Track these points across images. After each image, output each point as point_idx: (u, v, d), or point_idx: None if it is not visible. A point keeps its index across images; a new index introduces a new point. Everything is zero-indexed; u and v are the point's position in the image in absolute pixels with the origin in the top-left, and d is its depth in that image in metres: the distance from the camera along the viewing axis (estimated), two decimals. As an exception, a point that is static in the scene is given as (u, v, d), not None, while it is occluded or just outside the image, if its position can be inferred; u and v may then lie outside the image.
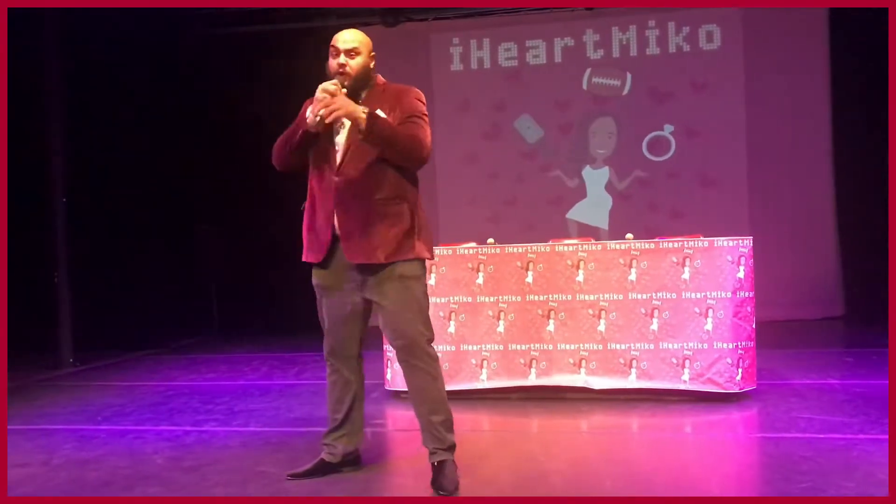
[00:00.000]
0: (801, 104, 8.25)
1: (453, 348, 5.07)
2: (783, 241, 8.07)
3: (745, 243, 4.80)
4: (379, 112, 3.30)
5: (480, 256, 5.06)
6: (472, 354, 5.07)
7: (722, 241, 4.78)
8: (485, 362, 5.06)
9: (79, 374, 6.65)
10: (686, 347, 4.79)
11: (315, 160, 3.44)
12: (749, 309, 4.80)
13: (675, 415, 4.61)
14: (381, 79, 3.49)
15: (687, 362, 4.79)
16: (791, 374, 5.52)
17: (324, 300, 3.55)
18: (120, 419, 4.95)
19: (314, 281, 3.56)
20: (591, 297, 4.92)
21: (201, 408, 5.19)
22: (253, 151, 8.97)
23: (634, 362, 4.86)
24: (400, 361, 3.49)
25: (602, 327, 4.91)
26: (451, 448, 3.47)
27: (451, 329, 5.07)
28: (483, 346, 5.05)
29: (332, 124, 3.30)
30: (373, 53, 3.43)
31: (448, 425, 3.47)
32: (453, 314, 5.08)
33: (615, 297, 4.89)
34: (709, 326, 4.76)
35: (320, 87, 3.26)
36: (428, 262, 3.60)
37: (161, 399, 5.51)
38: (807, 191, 8.28)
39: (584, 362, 4.94)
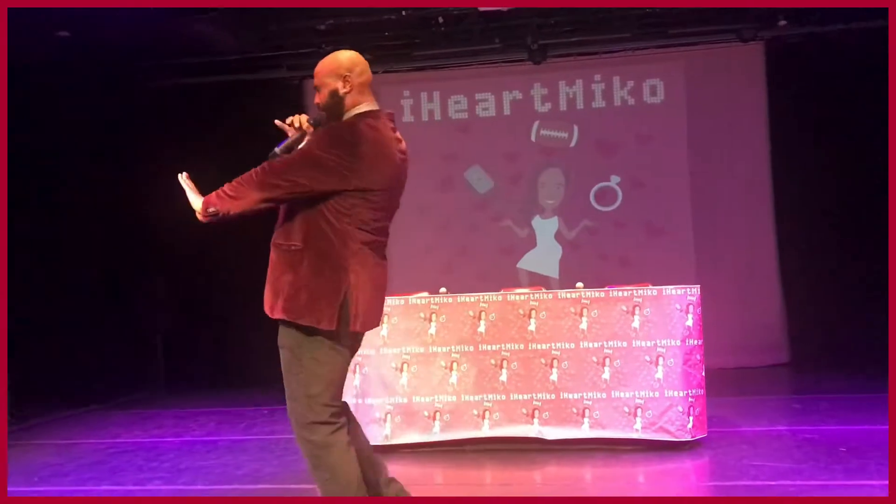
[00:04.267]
0: (742, 152, 8.47)
1: (405, 400, 5.01)
2: (729, 288, 8.21)
3: (693, 291, 4.87)
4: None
5: (433, 306, 5.05)
6: (424, 406, 5.01)
7: (670, 290, 4.85)
8: (437, 414, 5.00)
9: (16, 433, 6.38)
10: (638, 396, 4.81)
11: None
12: (698, 357, 4.85)
13: (628, 464, 4.61)
14: (368, 113, 3.02)
15: (639, 411, 4.80)
16: (741, 422, 5.58)
17: None
18: (58, 479, 4.75)
19: None
20: (544, 346, 4.93)
21: (145, 465, 5.02)
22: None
23: (587, 411, 4.86)
24: None
25: (555, 376, 4.90)
26: None
27: (403, 381, 5.01)
28: (436, 397, 5.00)
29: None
30: (345, 75, 3.00)
31: None
32: (405, 365, 5.03)
33: (567, 345, 4.90)
34: (660, 374, 4.79)
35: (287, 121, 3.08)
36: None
37: (102, 457, 5.32)
38: (750, 238, 8.46)
39: (537, 412, 4.92)
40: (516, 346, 4.95)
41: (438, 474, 4.69)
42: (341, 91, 3.01)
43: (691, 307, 4.82)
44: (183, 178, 3.09)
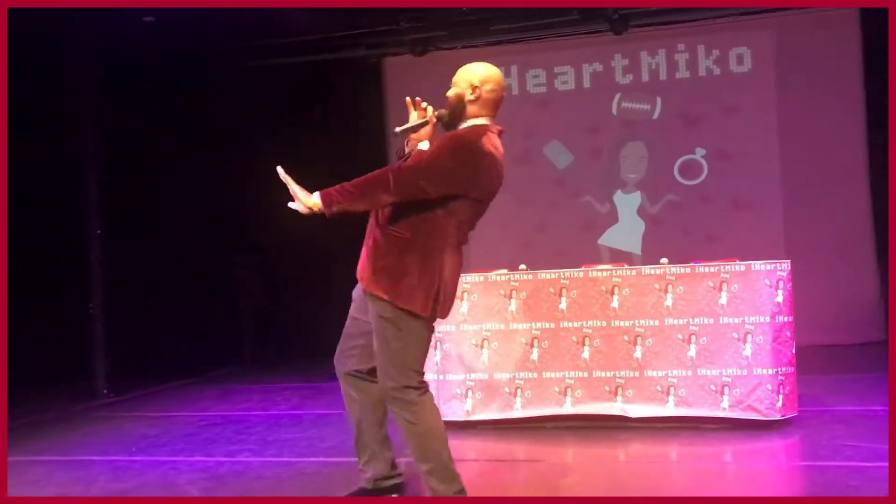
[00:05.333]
0: (835, 123, 8.12)
1: (486, 377, 5.01)
2: (821, 264, 7.91)
3: (784, 266, 4.71)
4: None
5: (513, 283, 5.02)
6: (505, 383, 5.00)
7: (759, 265, 4.70)
8: (518, 391, 4.99)
9: (113, 405, 6.68)
10: (725, 374, 4.69)
11: None
12: (788, 334, 4.70)
13: (714, 443, 4.51)
14: (482, 128, 3.25)
15: (726, 389, 4.69)
16: (833, 401, 5.38)
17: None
18: (154, 450, 4.95)
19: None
20: (627, 324, 4.85)
21: (234, 438, 5.18)
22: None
23: (672, 389, 4.77)
24: None
25: (638, 353, 4.83)
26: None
27: (484, 357, 5.01)
28: (517, 374, 4.99)
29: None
30: (475, 86, 3.24)
31: (439, 474, 3.21)
32: (486, 342, 5.03)
33: (651, 322, 4.81)
34: (748, 352, 4.66)
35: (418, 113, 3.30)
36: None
37: (194, 429, 5.51)
38: (844, 212, 8.13)
39: (620, 390, 4.85)
40: (599, 323, 4.89)
41: (520, 450, 4.68)
42: (467, 97, 3.26)
43: (781, 283, 4.66)
44: (282, 173, 3.25)
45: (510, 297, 5.01)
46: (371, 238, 3.29)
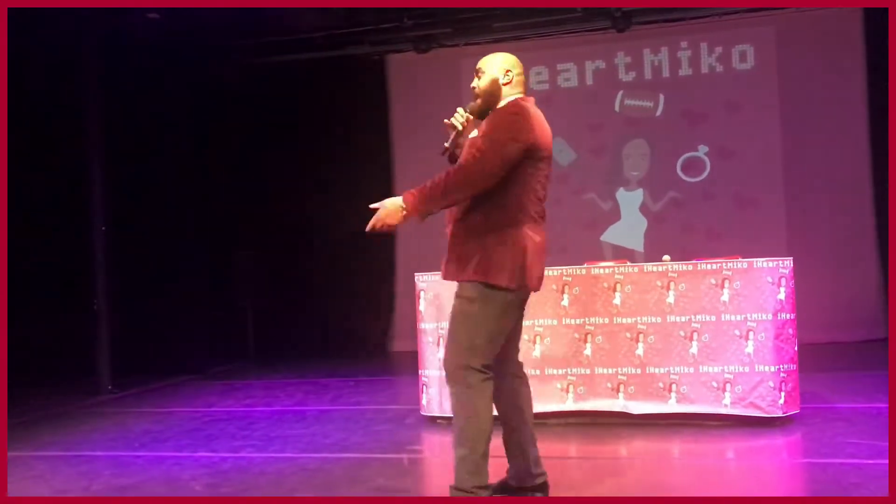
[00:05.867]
0: (838, 121, 8.13)
1: (489, 373, 5.02)
2: (823, 261, 7.92)
3: (786, 264, 4.72)
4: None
5: (515, 280, 5.02)
6: (508, 379, 5.01)
7: (761, 263, 4.70)
8: (521, 387, 4.99)
9: (117, 401, 6.70)
10: (727, 371, 4.70)
11: None
12: (791, 331, 4.70)
13: (717, 440, 4.52)
14: (520, 98, 3.36)
15: (728, 386, 4.70)
16: (836, 398, 5.39)
17: None
18: (158, 445, 4.97)
19: None
20: (629, 320, 4.86)
21: (238, 434, 5.19)
22: (290, 178, 9.15)
23: (674, 386, 4.78)
24: None
25: (640, 351, 4.84)
26: (460, 490, 3.21)
27: (487, 353, 5.02)
28: (519, 370, 4.99)
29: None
30: (507, 69, 3.37)
31: (467, 463, 3.20)
32: (489, 338, 5.03)
33: (653, 319, 4.82)
34: (750, 349, 4.67)
35: (452, 119, 3.38)
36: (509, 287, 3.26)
37: (198, 425, 5.53)
38: (846, 210, 8.13)
39: (622, 386, 4.86)
40: (601, 320, 4.90)
41: (522, 447, 4.68)
42: (502, 81, 3.38)
43: (784, 280, 4.67)
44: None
45: (513, 294, 5.01)
46: (449, 235, 3.35)
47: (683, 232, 8.43)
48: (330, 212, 8.72)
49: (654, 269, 4.86)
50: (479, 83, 3.39)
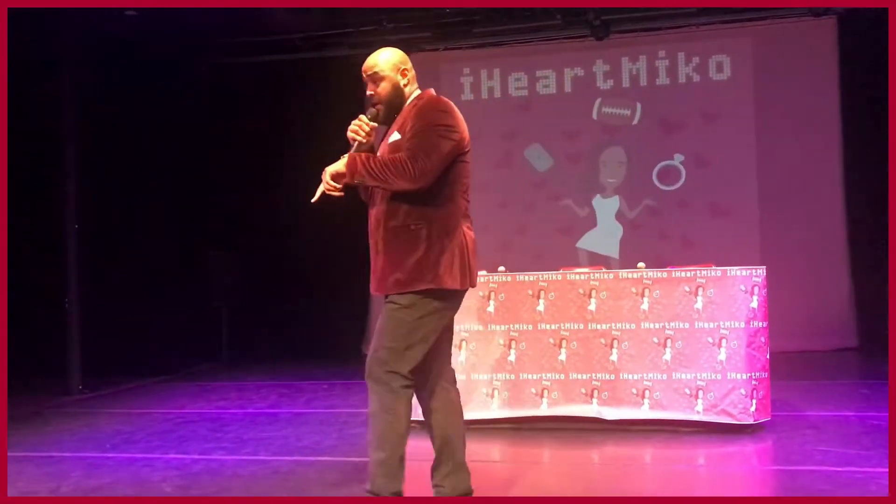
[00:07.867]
0: (812, 132, 8.23)
1: (464, 377, 5.01)
2: (795, 270, 8.01)
3: (759, 272, 4.77)
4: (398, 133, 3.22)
5: (491, 284, 5.04)
6: (482, 384, 5.02)
7: (735, 271, 4.75)
8: (496, 392, 5.01)
9: (88, 401, 6.62)
10: (699, 378, 4.74)
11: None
12: (763, 339, 4.75)
13: (688, 446, 4.56)
14: (426, 92, 3.33)
15: (700, 393, 4.74)
16: (806, 406, 5.46)
17: None
18: (128, 447, 4.91)
19: None
20: (604, 326, 4.89)
21: (210, 436, 5.15)
22: (265, 178, 9.11)
23: (647, 392, 4.81)
24: None
25: (614, 357, 4.87)
26: (377, 495, 3.14)
27: (462, 358, 5.03)
28: (494, 375, 5.01)
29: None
30: (403, 68, 3.31)
31: (387, 468, 3.13)
32: (464, 343, 5.04)
33: (627, 326, 4.86)
34: (722, 356, 4.71)
35: (352, 123, 3.31)
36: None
37: (170, 426, 5.48)
38: (819, 219, 8.23)
39: (596, 392, 4.89)
40: (576, 326, 4.92)
41: (496, 451, 4.70)
42: (402, 83, 3.32)
43: (756, 289, 4.72)
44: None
45: (489, 299, 5.03)
46: (381, 242, 3.23)
47: (659, 239, 8.50)
48: (304, 212, 8.67)
49: (629, 275, 4.89)
50: (379, 89, 3.30)
